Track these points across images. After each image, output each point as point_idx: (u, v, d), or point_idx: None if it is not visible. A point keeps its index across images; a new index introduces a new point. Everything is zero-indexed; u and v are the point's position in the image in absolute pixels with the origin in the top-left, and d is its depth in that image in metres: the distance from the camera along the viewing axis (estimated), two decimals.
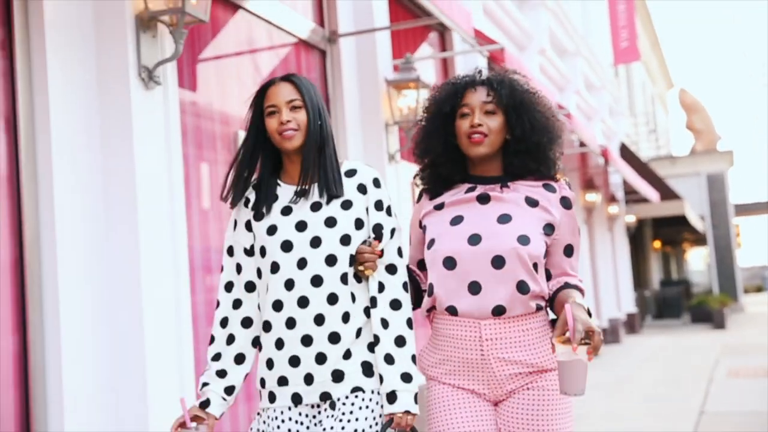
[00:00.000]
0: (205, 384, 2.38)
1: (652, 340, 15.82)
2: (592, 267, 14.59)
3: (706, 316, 19.25)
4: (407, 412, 2.26)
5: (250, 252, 2.39)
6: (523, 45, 10.78)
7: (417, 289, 2.49)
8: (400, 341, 2.30)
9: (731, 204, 24.43)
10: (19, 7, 3.38)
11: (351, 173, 2.39)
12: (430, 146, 2.44)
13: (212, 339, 2.41)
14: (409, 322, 2.33)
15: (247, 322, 2.39)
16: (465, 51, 6.85)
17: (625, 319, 17.00)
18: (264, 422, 2.36)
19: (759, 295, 35.47)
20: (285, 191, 2.38)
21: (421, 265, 2.49)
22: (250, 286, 2.40)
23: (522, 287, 2.29)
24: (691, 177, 23.99)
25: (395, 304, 2.33)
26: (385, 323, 2.30)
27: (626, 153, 16.87)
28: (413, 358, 2.30)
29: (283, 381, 2.31)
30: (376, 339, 2.31)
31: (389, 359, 2.27)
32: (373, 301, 2.33)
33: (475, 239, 2.31)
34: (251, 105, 2.40)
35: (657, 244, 26.48)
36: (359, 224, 2.34)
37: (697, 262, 31.81)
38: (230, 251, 2.43)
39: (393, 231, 2.38)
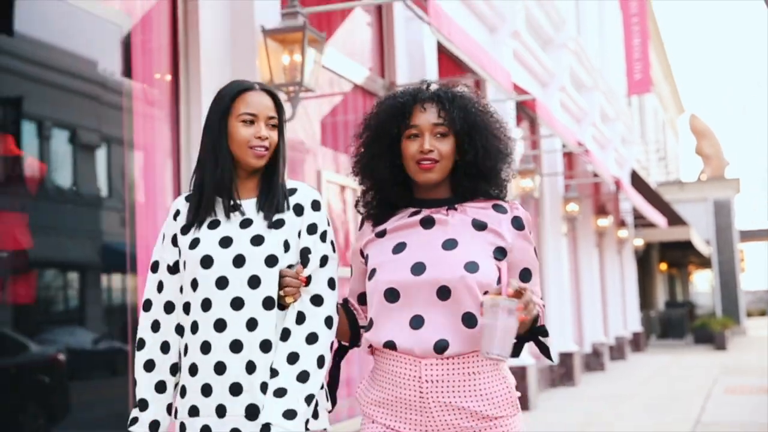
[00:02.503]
0: (133, 420, 2.17)
1: (655, 358, 16.72)
2: (601, 287, 15.51)
3: (709, 337, 20.20)
4: None
5: (173, 269, 2.19)
6: (546, 82, 11.76)
7: (354, 326, 2.26)
8: (302, 377, 2.05)
9: (736, 230, 25.32)
10: None
11: (290, 192, 2.18)
12: (375, 170, 2.19)
13: (136, 360, 2.21)
14: (320, 360, 2.08)
15: (165, 347, 2.18)
16: (499, 99, 7.61)
17: (631, 338, 17.96)
18: None
19: (762, 319, 36.27)
20: (220, 205, 2.16)
21: (363, 299, 2.25)
22: (168, 307, 2.18)
23: (469, 320, 2.04)
24: (698, 202, 24.90)
25: (311, 338, 2.09)
26: (293, 358, 2.06)
27: (636, 179, 17.79)
28: (309, 398, 2.05)
29: (194, 411, 2.09)
30: (274, 373, 2.06)
31: (280, 393, 2.03)
32: (285, 334, 2.08)
33: (418, 268, 2.07)
34: (221, 106, 2.16)
35: (663, 266, 27.39)
36: (287, 246, 2.12)
37: (702, 284, 32.68)
38: (154, 267, 2.22)
39: (325, 259, 2.16)
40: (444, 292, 2.05)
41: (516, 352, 2.05)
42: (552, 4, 11.81)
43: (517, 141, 2.57)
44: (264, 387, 2.06)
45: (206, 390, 2.08)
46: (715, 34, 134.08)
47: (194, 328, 2.10)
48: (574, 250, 13.75)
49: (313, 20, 5.04)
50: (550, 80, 11.78)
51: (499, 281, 2.05)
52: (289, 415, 2.01)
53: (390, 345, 2.08)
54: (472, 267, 2.05)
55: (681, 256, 26.92)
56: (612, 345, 15.67)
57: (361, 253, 2.24)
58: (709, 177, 27.02)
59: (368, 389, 2.18)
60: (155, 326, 2.19)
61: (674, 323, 23.74)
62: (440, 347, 2.04)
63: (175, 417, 2.15)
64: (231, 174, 2.15)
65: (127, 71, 4.34)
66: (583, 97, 14.06)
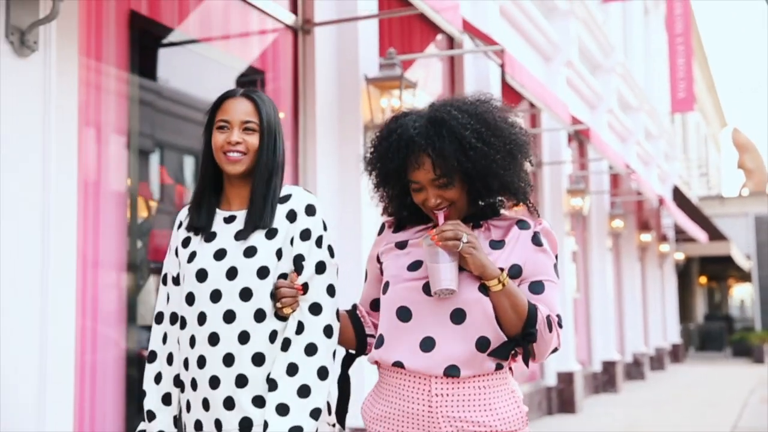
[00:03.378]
0: None
1: (694, 369, 17.28)
2: (643, 300, 16.12)
3: (747, 350, 20.73)
4: None
5: (176, 280, 2.17)
6: (594, 105, 12.45)
7: (361, 333, 2.20)
8: (303, 391, 2.00)
9: None
10: None
11: (284, 199, 2.12)
12: (386, 188, 2.15)
13: (146, 372, 2.20)
14: (322, 372, 2.03)
15: (170, 359, 2.17)
16: (555, 129, 7.73)
17: (670, 349, 18.55)
18: None
19: None
20: (217, 218, 2.14)
21: (376, 305, 2.19)
22: (173, 318, 2.16)
23: (483, 346, 1.99)
24: (739, 217, 25.24)
25: (310, 349, 2.03)
26: (292, 369, 2.01)
27: (678, 195, 18.34)
28: (314, 412, 2.00)
29: (198, 426, 2.08)
30: (273, 385, 2.01)
31: (282, 410, 1.98)
32: (286, 344, 2.04)
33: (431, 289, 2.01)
34: (208, 117, 2.15)
35: (703, 279, 27.78)
36: (279, 255, 2.07)
37: (742, 298, 32.93)
38: (164, 279, 2.21)
39: (322, 265, 2.09)
40: (458, 315, 2.00)
41: (503, 353, 2.02)
42: (601, 30, 12.50)
43: (532, 141, 2.33)
44: (257, 401, 2.02)
45: (206, 404, 2.06)
46: (758, 47, 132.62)
47: (192, 342, 2.08)
48: (617, 264, 14.40)
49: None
50: (599, 103, 12.47)
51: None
52: (296, 431, 1.97)
53: (398, 365, 2.04)
54: (484, 289, 1.98)
55: (721, 269, 27.26)
56: (652, 355, 16.27)
57: (378, 259, 2.19)
58: (751, 191, 27.33)
59: (373, 404, 2.12)
60: (164, 339, 2.18)
61: (713, 336, 24.18)
62: (450, 374, 2.01)
63: (185, 430, 2.13)
64: (212, 184, 2.14)
65: None
66: (628, 117, 14.71)
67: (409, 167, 2.05)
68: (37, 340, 3.22)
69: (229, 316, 2.04)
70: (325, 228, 2.13)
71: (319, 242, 2.10)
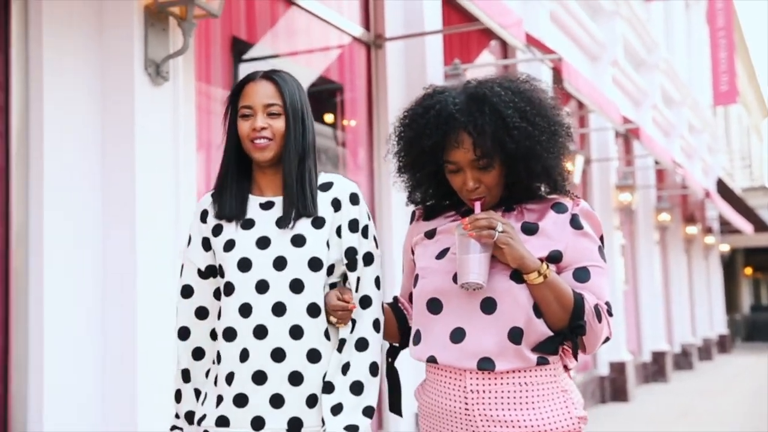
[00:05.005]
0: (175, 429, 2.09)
1: (741, 360, 17.45)
2: (689, 291, 16.34)
3: None
4: None
5: (204, 274, 2.05)
6: (639, 101, 12.73)
7: (404, 325, 2.10)
8: (356, 388, 1.94)
9: None
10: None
11: (326, 186, 2.03)
12: (416, 170, 2.03)
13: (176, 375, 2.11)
14: (373, 368, 1.96)
15: (198, 354, 2.06)
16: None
17: (717, 340, 18.71)
18: None
19: None
20: (251, 204, 2.03)
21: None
22: (201, 313, 2.06)
23: (516, 337, 1.86)
24: None
25: (361, 345, 1.96)
26: (345, 368, 1.94)
27: (722, 187, 18.46)
28: (367, 410, 1.94)
29: (222, 422, 1.96)
30: (329, 387, 1.93)
31: (337, 409, 1.92)
32: (341, 343, 1.97)
33: None
34: (227, 104, 2.06)
35: (748, 270, 27.75)
36: (328, 246, 1.98)
37: None
38: (181, 272, 2.10)
39: (369, 256, 2.02)
40: (489, 305, 1.88)
41: (551, 348, 1.88)
42: (645, 27, 12.78)
43: (571, 123, 2.06)
44: (310, 400, 1.93)
45: (241, 400, 1.93)
46: None
47: (230, 335, 1.96)
48: (664, 257, 14.65)
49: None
50: (643, 99, 12.75)
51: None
52: (351, 430, 1.90)
53: (431, 360, 1.95)
54: (520, 276, 1.86)
55: (766, 260, 27.23)
56: (699, 346, 16.48)
57: (412, 251, 2.09)
58: None
59: (420, 398, 2.05)
60: (184, 334, 2.07)
61: (760, 326, 24.22)
62: (484, 368, 1.88)
63: (198, 424, 2.01)
64: (238, 171, 2.03)
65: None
66: (672, 112, 14.94)
67: (447, 146, 1.92)
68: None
69: (279, 309, 1.94)
70: (369, 217, 2.07)
71: (365, 233, 2.04)
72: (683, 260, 15.71)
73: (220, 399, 1.98)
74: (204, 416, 2.00)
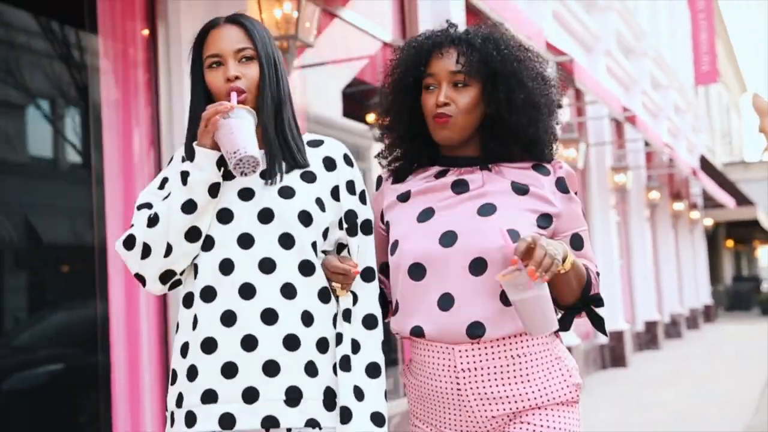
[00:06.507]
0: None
1: (726, 328, 18.39)
2: (677, 265, 17.23)
3: None
4: None
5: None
6: (629, 87, 13.51)
7: (384, 301, 1.91)
8: (372, 370, 1.76)
9: None
10: (163, 26, 3.93)
11: (316, 143, 1.85)
12: (392, 124, 1.93)
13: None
14: (383, 348, 1.80)
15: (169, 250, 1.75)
16: (603, 116, 8.69)
17: (703, 309, 19.66)
18: None
19: None
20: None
21: (385, 269, 1.91)
22: (168, 276, 1.79)
23: (507, 298, 1.71)
24: (762, 181, 26.08)
25: (369, 322, 1.79)
26: (356, 346, 1.76)
27: (705, 164, 19.31)
28: (386, 395, 1.78)
29: (209, 397, 1.70)
30: (346, 363, 1.74)
31: (359, 394, 1.73)
32: (347, 315, 1.78)
33: (449, 238, 1.78)
34: (191, 56, 1.82)
35: (730, 243, 28.71)
36: (321, 205, 1.77)
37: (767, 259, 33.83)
38: (139, 208, 1.81)
39: (369, 224, 1.84)
40: (478, 266, 1.75)
41: (565, 324, 1.82)
42: (633, 17, 13.53)
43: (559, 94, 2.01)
44: (309, 368, 1.72)
45: (229, 370, 1.70)
46: None
47: (209, 295, 1.73)
48: (654, 233, 15.51)
49: None
50: (633, 85, 13.52)
51: None
52: (378, 420, 1.74)
53: (417, 332, 1.80)
54: (513, 236, 1.73)
55: (747, 232, 28.14)
56: (687, 316, 17.39)
57: (381, 218, 1.93)
58: None
59: (407, 379, 1.91)
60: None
61: (741, 296, 25.19)
62: (474, 332, 1.75)
63: (177, 406, 1.74)
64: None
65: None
66: (659, 95, 15.73)
67: (428, 63, 1.84)
68: None
69: (267, 265, 1.72)
70: (363, 182, 1.87)
71: (363, 198, 1.84)
72: (671, 235, 16.58)
73: (192, 370, 1.73)
74: (180, 396, 1.74)
